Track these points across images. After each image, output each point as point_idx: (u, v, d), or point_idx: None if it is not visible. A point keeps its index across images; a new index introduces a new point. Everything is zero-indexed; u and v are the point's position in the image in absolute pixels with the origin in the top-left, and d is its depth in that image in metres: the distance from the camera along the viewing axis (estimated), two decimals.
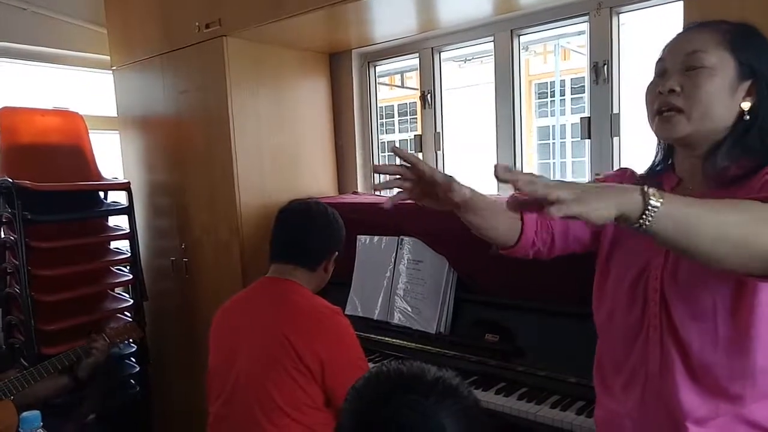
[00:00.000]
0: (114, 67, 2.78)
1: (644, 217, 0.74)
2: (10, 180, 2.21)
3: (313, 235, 1.58)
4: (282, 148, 2.44)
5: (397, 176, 0.98)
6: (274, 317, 1.48)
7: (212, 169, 2.35)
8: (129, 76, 2.72)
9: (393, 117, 7.10)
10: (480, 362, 1.77)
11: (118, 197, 2.62)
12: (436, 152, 2.45)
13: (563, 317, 1.64)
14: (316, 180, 2.59)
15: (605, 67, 1.92)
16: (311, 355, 1.40)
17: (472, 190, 0.99)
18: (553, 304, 1.67)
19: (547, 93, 6.06)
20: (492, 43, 2.22)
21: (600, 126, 1.96)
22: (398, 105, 7.14)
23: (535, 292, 1.71)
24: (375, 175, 2.67)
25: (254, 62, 2.33)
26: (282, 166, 2.44)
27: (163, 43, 2.47)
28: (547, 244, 1.12)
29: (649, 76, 1.05)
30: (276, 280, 1.57)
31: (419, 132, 2.51)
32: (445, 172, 2.46)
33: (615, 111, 1.93)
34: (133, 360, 2.61)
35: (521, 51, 2.20)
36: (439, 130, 2.45)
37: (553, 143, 5.75)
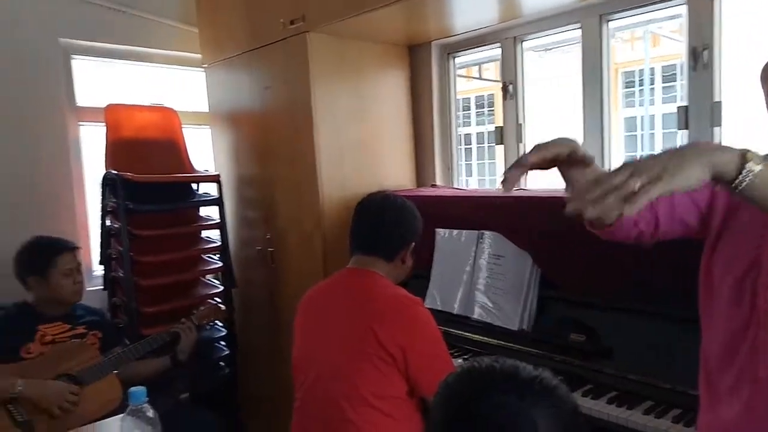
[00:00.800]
0: (205, 65, 2.92)
1: (740, 177, 0.73)
2: (115, 172, 2.39)
3: (388, 226, 1.60)
4: (362, 141, 2.47)
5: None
6: (357, 307, 1.51)
7: (296, 163, 2.42)
8: (219, 73, 2.85)
9: (470, 109, 6.98)
10: (564, 362, 1.71)
11: (209, 189, 2.76)
12: (518, 144, 2.39)
13: (656, 319, 1.55)
14: (395, 173, 2.61)
15: (705, 51, 1.79)
16: (393, 344, 1.41)
17: None
18: (645, 305, 1.58)
19: (634, 82, 5.71)
20: (578, 30, 2.13)
21: (699, 115, 1.83)
22: (475, 97, 7.01)
23: (624, 291, 1.63)
24: (454, 169, 2.65)
25: (336, 57, 2.37)
26: (362, 159, 2.47)
27: (250, 41, 2.56)
28: (651, 225, 1.05)
29: (756, 59, 0.96)
30: (358, 271, 1.60)
31: (500, 123, 2.46)
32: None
33: (717, 99, 1.80)
34: (223, 343, 2.75)
35: (609, 38, 2.10)
36: (521, 121, 2.39)
37: (642, 134, 5.42)
